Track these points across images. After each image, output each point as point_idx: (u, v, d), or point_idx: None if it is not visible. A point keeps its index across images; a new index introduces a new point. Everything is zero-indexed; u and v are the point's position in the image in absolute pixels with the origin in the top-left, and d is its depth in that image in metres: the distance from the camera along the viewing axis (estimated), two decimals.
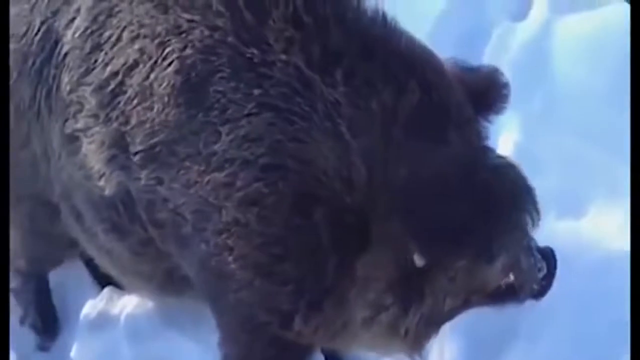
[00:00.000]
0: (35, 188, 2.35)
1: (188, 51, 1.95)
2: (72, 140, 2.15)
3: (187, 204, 1.99)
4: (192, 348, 2.50)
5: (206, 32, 1.94)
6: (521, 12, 3.03)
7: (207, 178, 1.93)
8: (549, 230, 2.25)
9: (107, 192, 2.11)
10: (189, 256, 2.06)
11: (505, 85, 1.99)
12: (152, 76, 1.99)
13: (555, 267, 1.99)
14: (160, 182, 2.01)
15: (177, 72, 1.95)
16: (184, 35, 1.96)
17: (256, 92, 1.88)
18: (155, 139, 1.99)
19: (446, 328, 2.09)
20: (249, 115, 1.89)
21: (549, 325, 2.14)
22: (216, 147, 1.92)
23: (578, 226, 2.31)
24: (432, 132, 1.84)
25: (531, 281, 1.95)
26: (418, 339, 1.98)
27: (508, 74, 2.73)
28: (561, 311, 2.14)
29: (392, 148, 1.82)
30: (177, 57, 1.95)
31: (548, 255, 1.99)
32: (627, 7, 2.58)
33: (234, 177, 1.90)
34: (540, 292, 2.00)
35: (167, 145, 1.98)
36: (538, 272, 1.95)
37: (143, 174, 2.03)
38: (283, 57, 1.88)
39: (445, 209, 1.79)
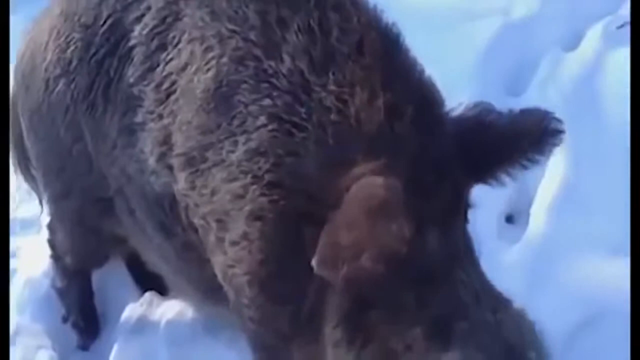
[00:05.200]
0: (87, 182, 2.38)
1: (224, 59, 1.99)
2: (130, 133, 2.19)
3: (212, 212, 2.02)
4: (231, 356, 2.53)
5: (240, 43, 1.99)
6: (572, 43, 3.02)
7: (226, 187, 1.97)
8: (597, 269, 2.24)
9: (156, 188, 2.15)
10: (216, 266, 2.08)
11: (555, 133, 1.84)
12: (195, 79, 2.03)
13: None
14: (193, 187, 2.05)
15: (213, 78, 1.99)
16: (223, 42, 2.01)
17: (266, 102, 1.91)
18: (192, 143, 2.03)
19: None
20: (259, 127, 1.92)
21: None
22: (234, 156, 1.95)
23: (626, 266, 2.22)
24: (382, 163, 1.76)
25: None
26: None
27: (556, 104, 2.75)
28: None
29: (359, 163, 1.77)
30: (216, 64, 2.01)
31: None
32: None
33: (246, 190, 1.93)
34: None
35: (200, 151, 2.02)
36: None
37: (182, 176, 2.07)
38: (290, 64, 1.91)
39: None
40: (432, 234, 1.75)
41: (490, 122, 1.83)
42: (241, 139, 1.94)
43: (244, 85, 1.95)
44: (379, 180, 1.71)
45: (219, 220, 2.01)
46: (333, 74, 1.87)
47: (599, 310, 2.15)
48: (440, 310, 1.75)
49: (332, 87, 1.86)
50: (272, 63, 1.93)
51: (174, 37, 2.11)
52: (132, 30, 2.18)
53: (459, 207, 1.82)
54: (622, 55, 2.84)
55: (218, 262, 2.06)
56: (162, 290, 2.75)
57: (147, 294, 2.75)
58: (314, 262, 1.74)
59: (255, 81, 1.94)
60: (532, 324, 1.79)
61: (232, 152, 1.95)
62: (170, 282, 2.58)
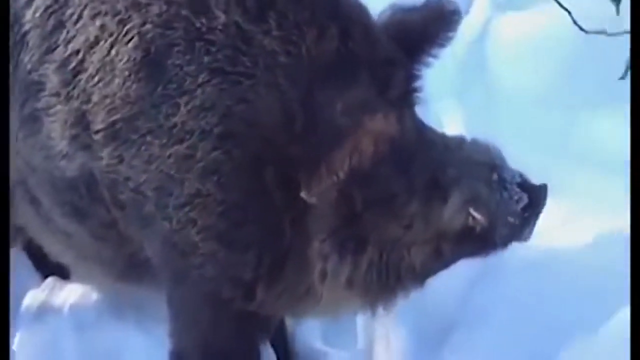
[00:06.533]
0: None
1: (147, 26, 1.99)
2: (33, 120, 2.13)
3: (149, 180, 2.01)
4: (137, 338, 2.51)
5: (164, 7, 1.99)
6: (464, 8, 3.10)
7: (168, 151, 1.97)
8: None
9: (68, 173, 2.11)
10: (151, 237, 2.08)
11: (452, 13, 2.04)
12: (112, 52, 2.01)
13: (541, 198, 1.94)
14: (121, 160, 2.03)
15: (137, 47, 1.98)
16: (143, 11, 2.00)
17: (206, 59, 1.94)
18: (116, 116, 2.01)
19: (391, 321, 2.15)
20: (202, 84, 1.93)
21: (487, 318, 2.21)
22: (176, 119, 1.96)
23: None
24: (344, 78, 1.91)
25: (502, 216, 1.91)
26: (370, 291, 1.98)
27: (451, 69, 2.83)
28: (499, 303, 2.21)
29: (315, 95, 1.89)
30: (137, 33, 1.99)
31: (530, 187, 1.94)
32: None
33: (194, 149, 1.95)
34: (522, 226, 1.93)
35: (128, 122, 2.00)
36: (516, 204, 1.91)
37: (105, 152, 2.04)
38: (223, 18, 1.94)
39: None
40: (406, 114, 1.93)
41: (407, 21, 2.04)
42: (182, 100, 1.95)
43: (176, 48, 1.96)
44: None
45: (158, 188, 2.00)
46: (274, 19, 1.93)
47: None
48: (425, 174, 1.90)
49: (276, 33, 1.93)
50: (204, 20, 1.95)
51: (72, 14, 2.07)
52: (23, 16, 2.12)
53: (414, 88, 2.03)
54: (508, 21, 2.96)
55: (156, 232, 2.05)
56: (65, 275, 2.69)
57: (49, 279, 2.69)
58: (304, 193, 1.85)
59: (187, 41, 1.96)
60: (475, 140, 2.03)
61: (173, 115, 1.96)
62: (76, 269, 2.52)
